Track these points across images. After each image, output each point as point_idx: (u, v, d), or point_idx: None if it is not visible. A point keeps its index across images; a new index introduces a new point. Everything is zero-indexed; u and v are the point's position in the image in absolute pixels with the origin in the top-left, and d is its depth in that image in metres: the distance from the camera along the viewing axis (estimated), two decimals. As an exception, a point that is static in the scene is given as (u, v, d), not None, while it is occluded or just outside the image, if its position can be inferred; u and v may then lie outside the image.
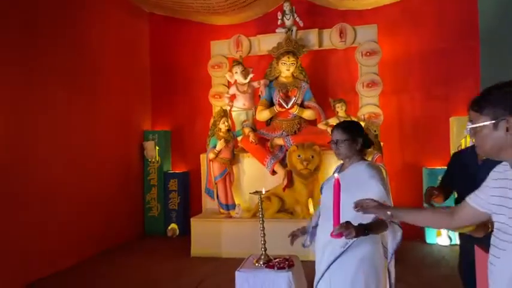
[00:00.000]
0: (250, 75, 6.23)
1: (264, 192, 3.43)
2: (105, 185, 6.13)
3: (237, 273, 3.16)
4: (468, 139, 5.75)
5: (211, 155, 5.75)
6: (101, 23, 6.25)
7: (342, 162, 2.43)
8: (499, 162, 1.50)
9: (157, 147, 7.13)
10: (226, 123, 5.81)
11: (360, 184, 2.16)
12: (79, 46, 5.72)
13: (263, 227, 3.39)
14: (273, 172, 5.74)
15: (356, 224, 1.94)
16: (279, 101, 5.91)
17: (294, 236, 2.63)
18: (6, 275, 4.28)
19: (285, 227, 5.28)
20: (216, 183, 5.80)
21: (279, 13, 6.34)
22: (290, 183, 5.58)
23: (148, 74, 7.53)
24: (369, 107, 6.18)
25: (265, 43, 6.44)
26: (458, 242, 2.97)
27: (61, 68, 5.32)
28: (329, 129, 5.42)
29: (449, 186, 2.79)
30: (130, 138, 6.98)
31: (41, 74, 5.00)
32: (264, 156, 5.76)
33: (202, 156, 6.15)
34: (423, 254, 5.46)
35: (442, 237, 5.82)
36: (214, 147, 5.74)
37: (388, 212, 1.76)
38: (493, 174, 1.53)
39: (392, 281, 2.27)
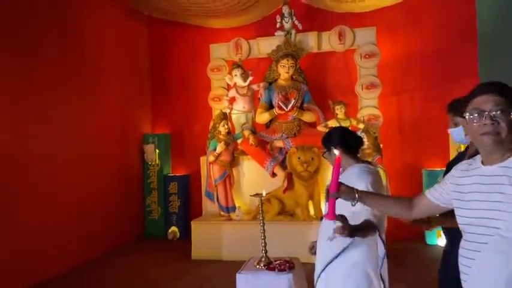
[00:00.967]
0: (250, 78, 6.24)
1: (264, 195, 3.44)
2: (105, 189, 6.13)
3: (237, 275, 3.17)
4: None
5: (211, 158, 5.76)
6: (100, 27, 6.27)
7: None
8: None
9: (157, 151, 7.14)
10: (226, 126, 5.83)
11: None
12: (78, 50, 5.74)
13: (264, 229, 3.40)
14: (273, 174, 5.75)
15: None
16: (278, 103, 5.93)
17: (312, 248, 2.59)
18: (5, 278, 4.27)
19: (286, 229, 5.36)
20: (216, 186, 5.81)
21: (277, 16, 6.36)
22: (290, 185, 5.58)
23: (148, 78, 7.55)
24: (368, 109, 6.19)
25: (265, 46, 6.46)
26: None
27: (60, 71, 5.34)
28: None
29: None
30: (130, 141, 6.99)
31: (40, 77, 5.02)
32: (264, 159, 5.78)
33: (202, 159, 6.16)
34: (423, 255, 5.47)
35: (442, 238, 5.81)
36: (214, 149, 5.75)
37: (356, 195, 1.77)
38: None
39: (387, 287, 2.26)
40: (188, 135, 7.32)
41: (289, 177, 5.59)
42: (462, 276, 1.51)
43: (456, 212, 1.57)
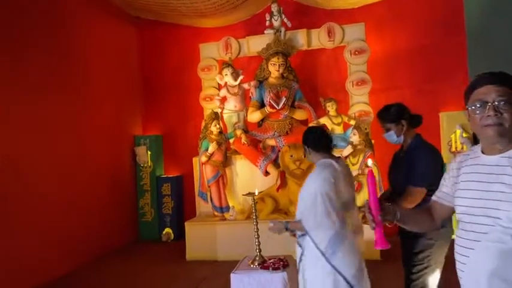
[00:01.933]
0: (241, 77, 6.23)
1: (257, 194, 3.44)
2: (98, 192, 6.08)
3: (232, 275, 3.15)
4: (458, 134, 5.80)
5: (203, 158, 5.73)
6: (88, 29, 6.20)
7: None
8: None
9: (149, 152, 7.10)
10: (217, 126, 5.80)
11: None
12: (66, 52, 5.68)
13: (257, 228, 3.39)
14: (266, 173, 5.74)
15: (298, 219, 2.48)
16: (269, 101, 5.92)
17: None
18: (1, 283, 4.23)
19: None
20: (209, 186, 5.79)
21: (267, 14, 6.35)
22: (283, 183, 5.59)
23: (138, 79, 7.50)
24: (359, 105, 6.21)
25: (254, 44, 6.45)
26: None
27: (49, 74, 5.28)
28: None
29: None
30: (122, 143, 6.94)
31: (29, 80, 4.95)
32: (256, 158, 5.76)
33: (195, 160, 6.13)
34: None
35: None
36: (207, 150, 5.73)
37: (398, 215, 1.64)
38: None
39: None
40: (180, 135, 7.28)
41: (282, 176, 5.59)
42: (459, 266, 1.48)
43: (455, 202, 1.54)
